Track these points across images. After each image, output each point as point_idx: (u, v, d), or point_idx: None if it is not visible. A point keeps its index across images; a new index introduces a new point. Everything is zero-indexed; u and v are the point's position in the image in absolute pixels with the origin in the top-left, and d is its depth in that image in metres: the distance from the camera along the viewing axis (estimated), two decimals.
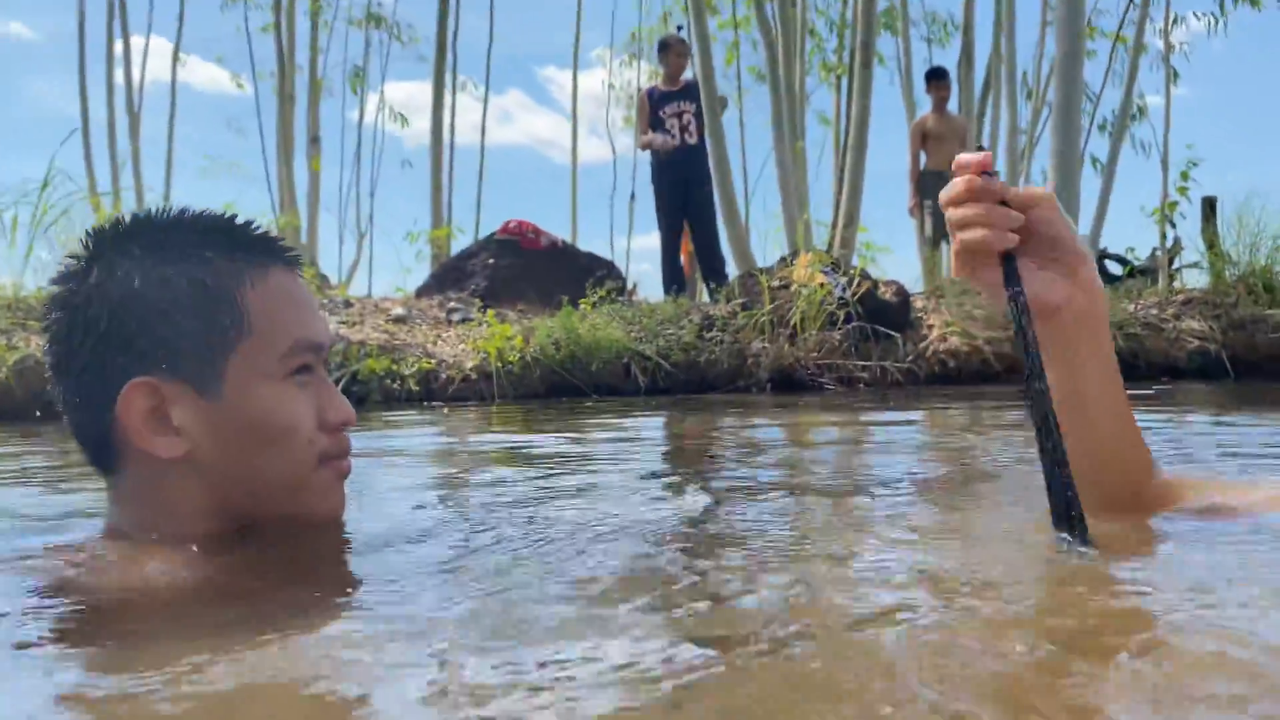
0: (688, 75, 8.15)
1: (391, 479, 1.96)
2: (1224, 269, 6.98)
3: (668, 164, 7.98)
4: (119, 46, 15.05)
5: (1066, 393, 1.06)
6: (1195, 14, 14.29)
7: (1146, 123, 14.67)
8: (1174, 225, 9.63)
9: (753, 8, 8.94)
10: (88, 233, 1.16)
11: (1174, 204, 9.32)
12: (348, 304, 7.46)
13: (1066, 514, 1.02)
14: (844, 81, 17.23)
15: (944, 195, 1.04)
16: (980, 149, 1.04)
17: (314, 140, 14.92)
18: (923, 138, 8.69)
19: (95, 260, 1.13)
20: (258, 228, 1.20)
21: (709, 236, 8.15)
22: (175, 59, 16.58)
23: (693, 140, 8.01)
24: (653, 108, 8.05)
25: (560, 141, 34.13)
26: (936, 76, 8.93)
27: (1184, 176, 9.19)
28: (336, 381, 5.08)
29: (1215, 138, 34.57)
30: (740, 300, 6.07)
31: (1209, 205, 11.85)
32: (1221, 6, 13.03)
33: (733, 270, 7.78)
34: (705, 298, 7.88)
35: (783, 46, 7.80)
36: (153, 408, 1.10)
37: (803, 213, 7.40)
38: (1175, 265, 12.17)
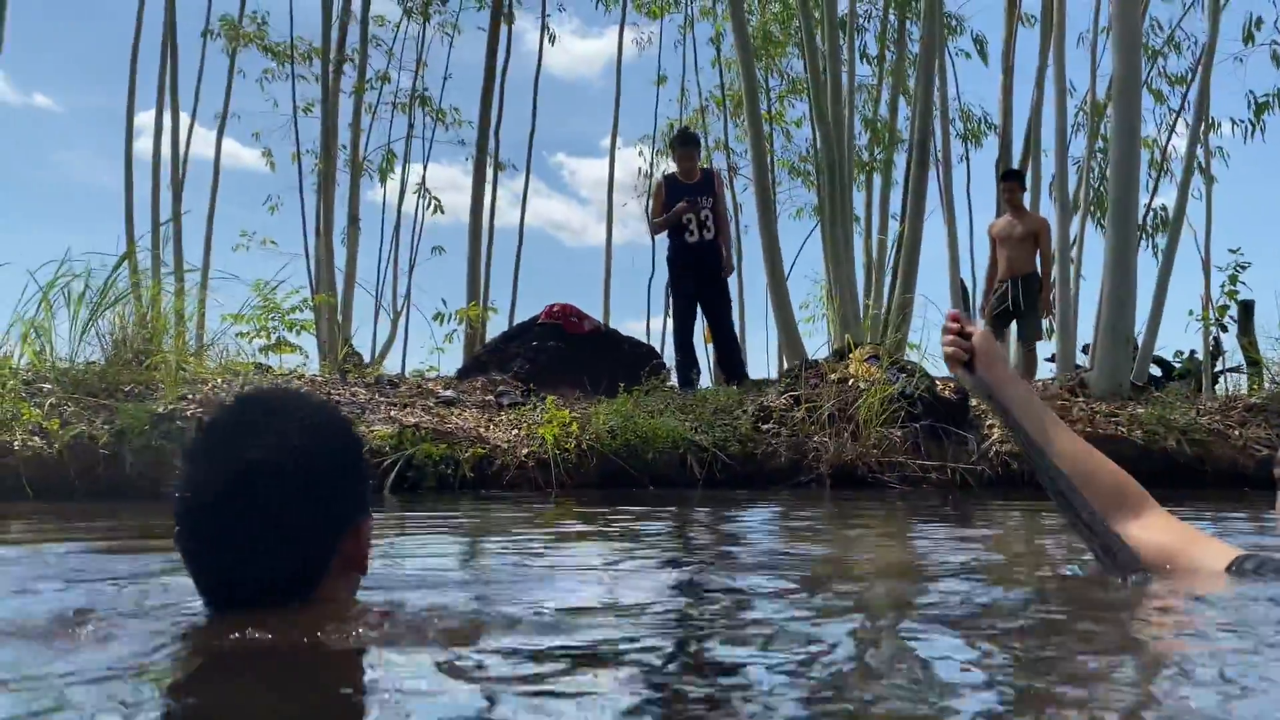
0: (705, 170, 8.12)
1: None
2: (1261, 375, 6.80)
3: (680, 252, 7.87)
4: (166, 119, 15.26)
5: (1034, 436, 1.79)
6: (1232, 119, 14.34)
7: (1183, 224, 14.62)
8: (1225, 329, 9.51)
9: (808, 100, 8.99)
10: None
11: (1224, 308, 9.21)
12: (393, 384, 7.38)
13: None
14: (875, 178, 17.38)
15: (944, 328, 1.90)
16: None
17: (353, 220, 15.03)
18: (995, 242, 8.30)
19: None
20: None
21: (724, 331, 8.09)
22: (220, 134, 16.88)
23: (709, 235, 7.83)
24: (668, 196, 7.94)
25: (570, 225, 35.02)
26: (1007, 178, 8.53)
27: (1232, 280, 9.05)
28: (390, 466, 4.95)
29: (1241, 236, 34.70)
30: (799, 391, 5.96)
31: (1245, 309, 11.68)
32: (1258, 114, 13.06)
33: (760, 359, 7.68)
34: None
35: (836, 140, 7.82)
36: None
37: (854, 305, 7.33)
38: (1218, 368, 11.99)
